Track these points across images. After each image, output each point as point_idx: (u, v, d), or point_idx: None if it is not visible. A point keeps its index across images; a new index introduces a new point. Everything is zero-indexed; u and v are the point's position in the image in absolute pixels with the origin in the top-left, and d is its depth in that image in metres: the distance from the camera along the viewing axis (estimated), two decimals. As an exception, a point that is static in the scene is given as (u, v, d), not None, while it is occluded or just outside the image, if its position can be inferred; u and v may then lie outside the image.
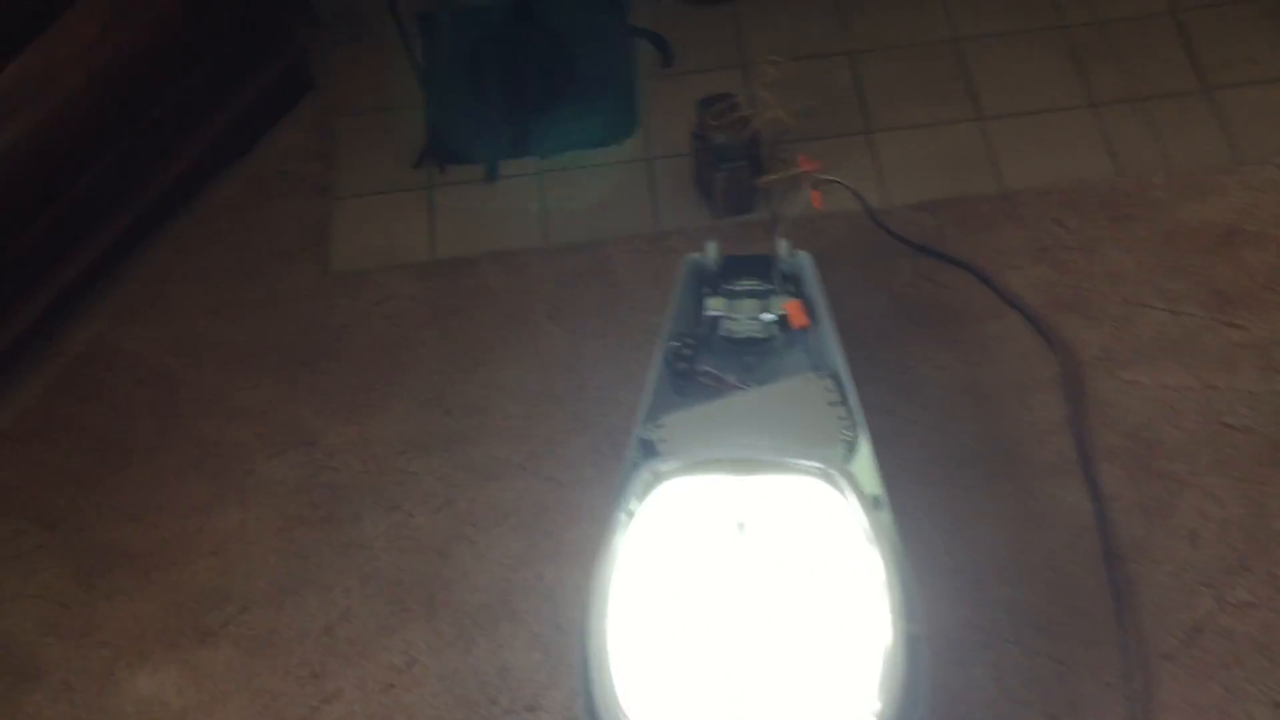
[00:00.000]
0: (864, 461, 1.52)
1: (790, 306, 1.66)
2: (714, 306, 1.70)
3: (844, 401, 1.57)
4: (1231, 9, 2.08)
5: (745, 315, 1.69)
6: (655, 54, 2.15)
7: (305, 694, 1.56)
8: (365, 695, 1.55)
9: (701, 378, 1.67)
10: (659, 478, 1.49)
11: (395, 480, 1.73)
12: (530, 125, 2.09)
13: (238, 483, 1.74)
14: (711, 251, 1.71)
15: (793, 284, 1.70)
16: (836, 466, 1.46)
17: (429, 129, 2.11)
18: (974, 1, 2.14)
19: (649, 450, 1.56)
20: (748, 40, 2.15)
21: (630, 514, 1.46)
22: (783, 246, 1.70)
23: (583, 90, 2.13)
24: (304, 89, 2.18)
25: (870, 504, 1.44)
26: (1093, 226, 1.85)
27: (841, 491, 1.45)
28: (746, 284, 1.72)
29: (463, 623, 1.60)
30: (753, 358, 1.69)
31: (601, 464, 1.70)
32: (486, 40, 2.17)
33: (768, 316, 1.68)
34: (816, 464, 1.47)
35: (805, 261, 1.70)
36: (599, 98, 2.13)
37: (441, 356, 1.84)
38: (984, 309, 1.79)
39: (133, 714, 1.56)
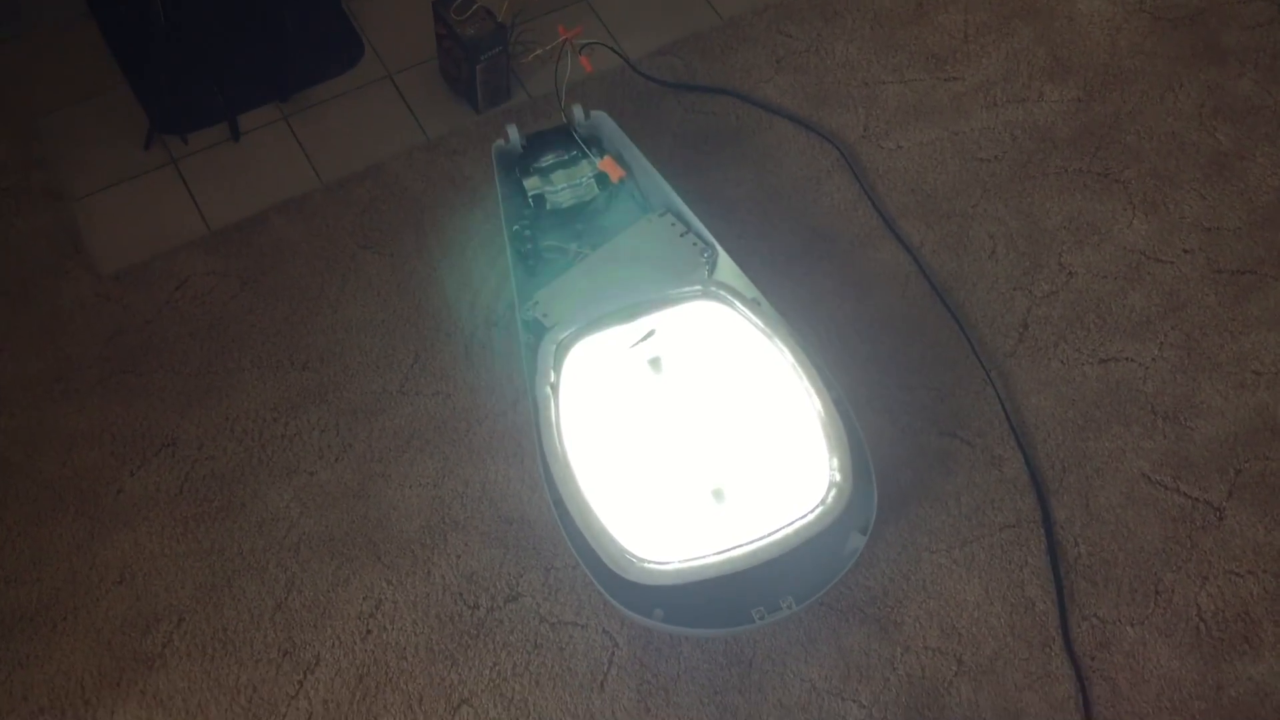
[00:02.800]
0: (729, 271, 1.66)
1: (605, 164, 1.75)
2: (532, 186, 1.76)
3: (690, 229, 1.69)
4: None
5: (564, 185, 1.76)
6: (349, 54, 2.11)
7: (284, 673, 1.52)
8: (346, 650, 1.54)
9: (547, 253, 1.73)
10: (562, 346, 1.56)
11: (280, 447, 1.68)
12: (253, 72, 2.01)
13: (110, 507, 1.63)
14: (513, 135, 1.76)
15: (595, 144, 1.79)
16: (713, 282, 1.59)
17: (146, 106, 1.98)
18: None
19: (535, 328, 1.62)
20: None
21: (554, 386, 1.53)
22: (577, 112, 1.77)
23: (300, 25, 2.06)
24: (-23, 100, 1.97)
25: (754, 304, 1.59)
26: (811, 29, 2.05)
27: (726, 303, 1.59)
28: (551, 157, 1.79)
29: (412, 550, 1.60)
30: (583, 223, 1.77)
31: (477, 363, 1.74)
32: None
33: (586, 181, 1.77)
34: (694, 287, 1.60)
35: (603, 119, 1.78)
36: (317, 28, 2.07)
37: (269, 318, 1.78)
38: (755, 124, 1.95)
39: (113, 765, 1.46)
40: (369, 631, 1.55)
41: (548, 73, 1.86)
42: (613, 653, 1.53)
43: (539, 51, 1.90)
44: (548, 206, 1.76)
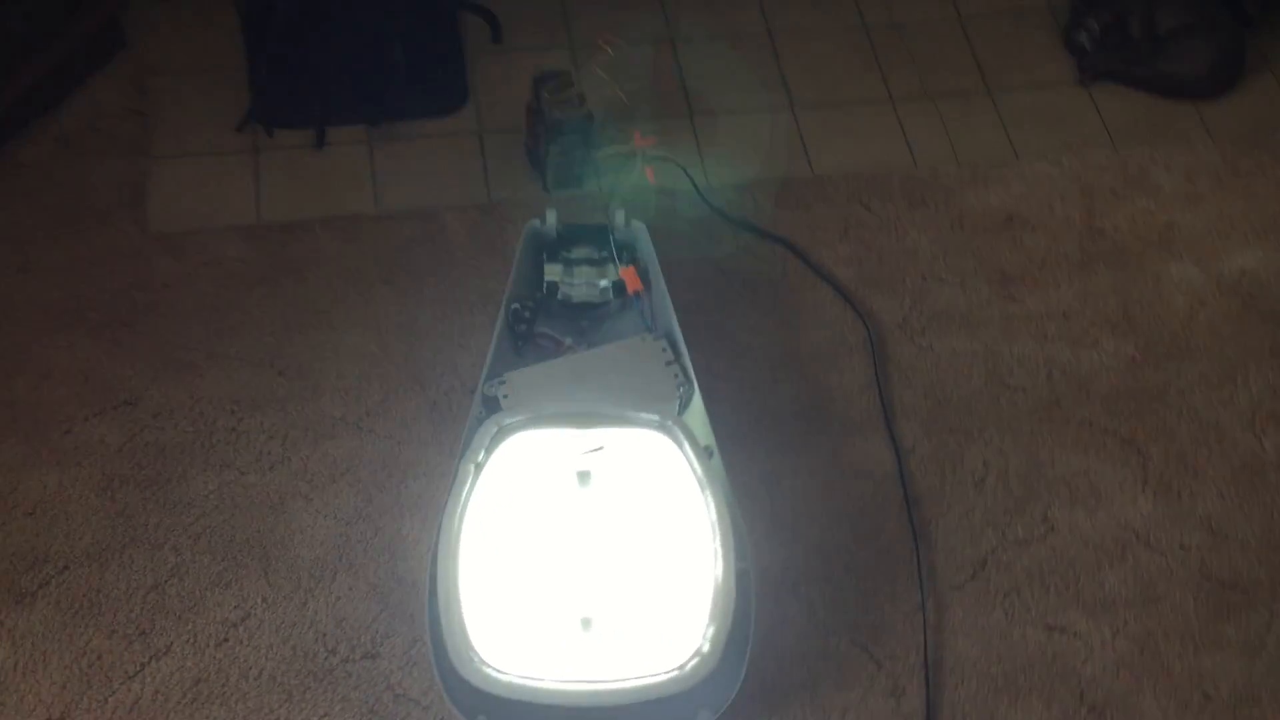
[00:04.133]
0: (696, 415, 1.62)
1: (626, 273, 1.75)
2: (551, 273, 1.77)
3: (677, 360, 1.66)
4: (1008, 21, 2.31)
5: (582, 281, 1.77)
6: (485, 28, 2.20)
7: (132, 652, 1.53)
8: (197, 650, 1.54)
9: (540, 339, 1.73)
10: (504, 431, 1.55)
11: (225, 439, 1.71)
12: (359, 93, 2.10)
13: (54, 443, 1.68)
14: (550, 219, 1.78)
15: (628, 252, 1.79)
16: (672, 419, 1.55)
17: (252, 92, 2.09)
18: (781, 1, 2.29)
19: (492, 406, 1.61)
20: (575, 22, 2.23)
21: (478, 466, 1.51)
22: (619, 216, 1.78)
23: (413, 60, 2.15)
24: (116, 46, 2.12)
25: (703, 454, 1.54)
26: (892, 209, 2.02)
27: (677, 442, 1.55)
28: (583, 252, 1.80)
29: (299, 576, 1.60)
30: (589, 321, 1.77)
31: (438, 423, 1.74)
32: (313, 4, 2.16)
33: (603, 282, 1.77)
34: (654, 416, 1.56)
35: (640, 231, 1.79)
36: (429, 68, 2.16)
37: (273, 318, 1.83)
38: (799, 281, 1.92)
39: (-59, 680, 1.49)
40: (225, 639, 1.55)
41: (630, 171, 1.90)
42: (440, 746, 1.48)
43: (610, 150, 1.93)
44: (559, 296, 1.76)
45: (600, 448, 1.53)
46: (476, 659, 1.35)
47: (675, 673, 1.36)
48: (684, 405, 1.64)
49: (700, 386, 1.64)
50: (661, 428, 1.56)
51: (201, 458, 1.69)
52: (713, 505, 1.49)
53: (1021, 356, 1.86)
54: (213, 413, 1.73)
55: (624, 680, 1.35)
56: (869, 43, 2.26)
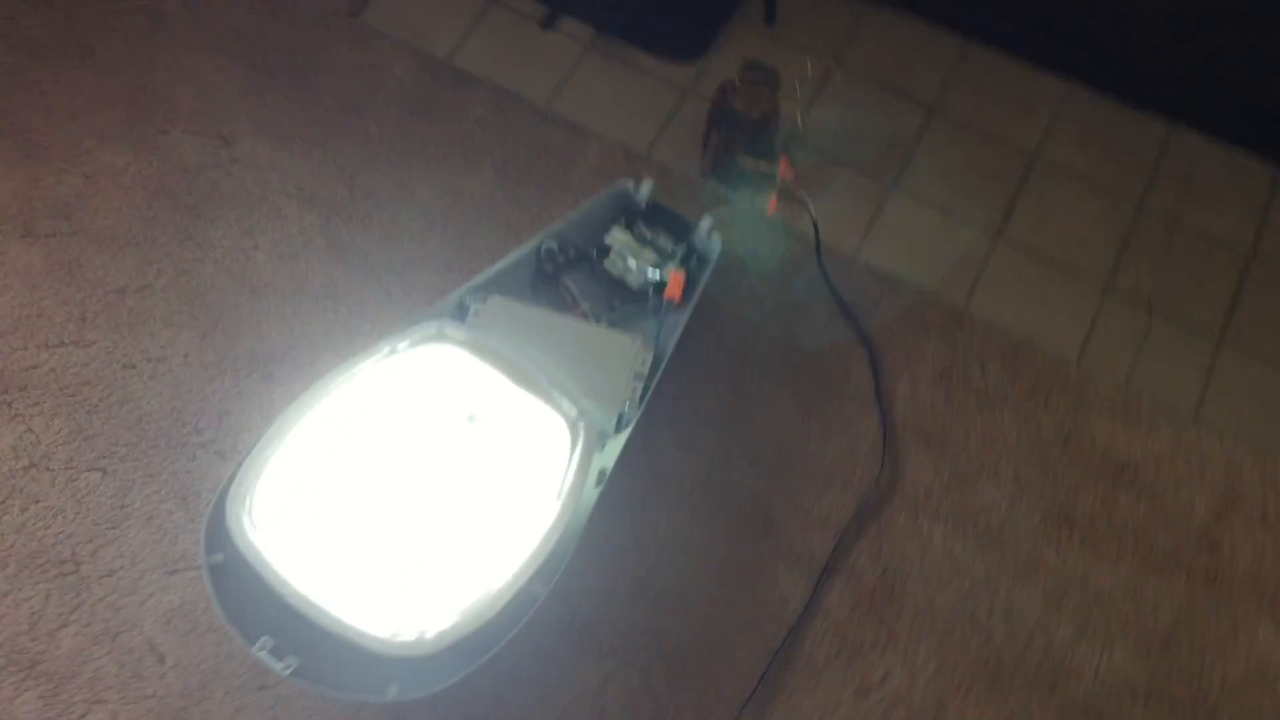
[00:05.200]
0: (618, 439, 1.51)
1: (674, 278, 1.64)
2: (614, 238, 1.69)
3: (644, 381, 1.55)
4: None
5: (635, 261, 1.67)
6: (761, 7, 2.10)
7: (64, 329, 1.64)
8: (109, 363, 1.62)
9: (561, 289, 1.66)
10: (440, 337, 1.50)
11: (267, 214, 1.77)
12: (611, 2, 2.07)
13: (149, 137, 1.81)
14: (645, 190, 1.69)
15: (694, 257, 1.67)
16: (590, 423, 1.45)
17: None
18: (1079, 132, 2.02)
19: (458, 313, 1.57)
20: (853, 43, 2.08)
21: (393, 350, 1.48)
22: (706, 223, 1.67)
23: (680, 2, 2.09)
24: None
25: (589, 472, 1.43)
26: (1008, 386, 1.76)
27: (574, 443, 1.45)
28: (654, 235, 1.70)
29: (225, 358, 1.65)
30: (617, 300, 1.67)
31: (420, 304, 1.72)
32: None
33: (653, 273, 1.67)
34: (573, 410, 1.47)
35: (716, 247, 1.66)
36: (683, 10, 2.09)
37: (382, 141, 1.87)
38: (850, 387, 1.73)
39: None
40: (134, 366, 1.63)
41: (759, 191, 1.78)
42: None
43: (751, 161, 1.80)
44: (603, 263, 1.68)
45: (473, 417, 1.46)
46: (246, 511, 1.33)
47: (384, 635, 1.28)
48: (620, 423, 1.53)
49: (673, 416, 1.51)
50: (572, 426, 1.46)
51: (238, 215, 1.76)
52: (555, 518, 1.39)
53: (1016, 606, 1.58)
54: (276, 186, 1.80)
55: (338, 610, 1.30)
56: (1130, 220, 1.95)
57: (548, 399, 1.47)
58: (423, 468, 1.43)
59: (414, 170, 1.84)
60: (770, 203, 1.73)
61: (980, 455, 1.69)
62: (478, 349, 1.50)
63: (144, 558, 1.50)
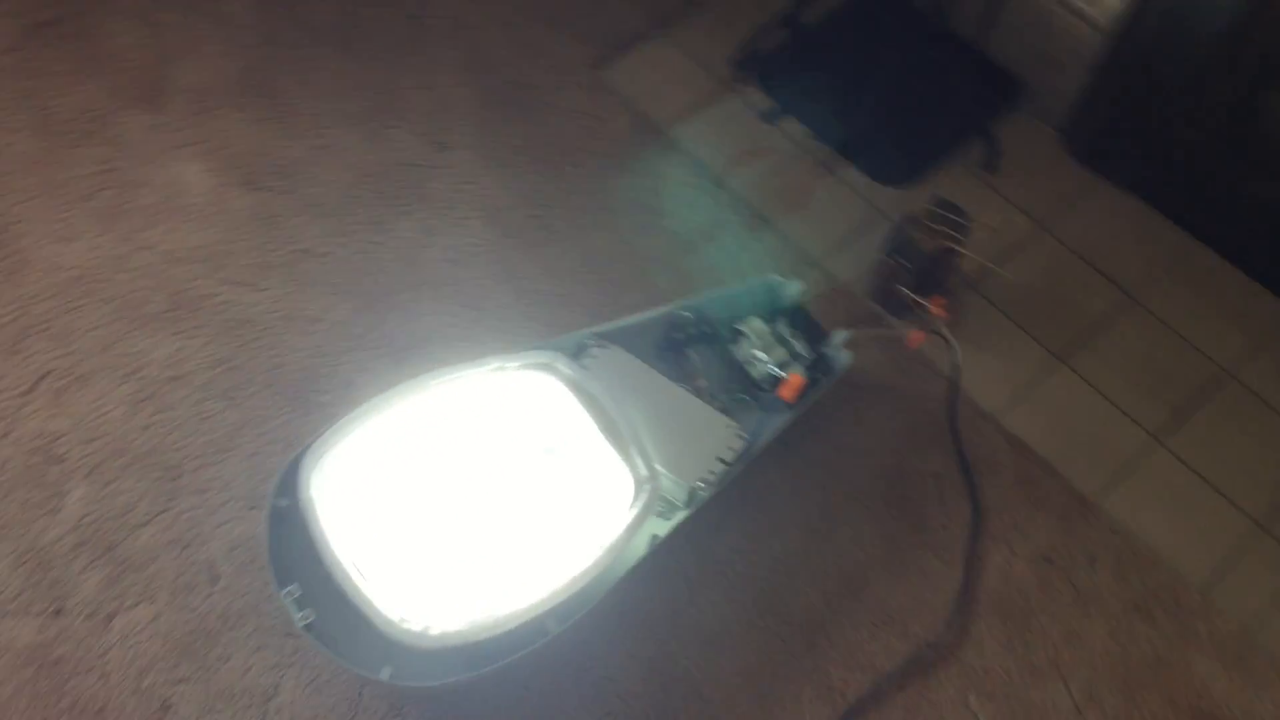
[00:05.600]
0: (681, 513, 1.51)
1: (793, 379, 1.64)
2: (751, 327, 1.71)
3: (725, 467, 1.54)
4: None
5: (763, 355, 1.68)
6: (983, 152, 2.08)
7: (250, 269, 1.81)
8: (275, 305, 1.78)
9: (683, 357, 1.69)
10: (546, 367, 1.56)
11: (452, 219, 1.90)
12: (840, 114, 2.10)
13: (379, 128, 1.99)
14: (795, 290, 1.71)
15: (819, 367, 1.67)
16: (655, 488, 1.46)
17: (757, 44, 2.16)
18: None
19: (576, 351, 1.63)
20: (1071, 210, 2.02)
21: (500, 367, 1.55)
22: (840, 337, 1.67)
23: (902, 124, 2.11)
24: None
25: (641, 532, 1.45)
26: (1114, 590, 1.64)
27: (633, 502, 1.47)
28: (789, 336, 1.71)
29: (366, 331, 1.77)
30: (735, 385, 1.69)
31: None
32: (874, 33, 2.19)
33: (775, 371, 1.67)
34: (645, 471, 1.48)
35: (843, 363, 1.66)
36: (909, 141, 2.10)
37: (576, 184, 1.97)
38: (945, 542, 1.66)
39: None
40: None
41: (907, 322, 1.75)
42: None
43: (907, 291, 1.78)
44: (729, 347, 1.70)
45: (552, 450, 1.50)
46: (318, 469, 1.43)
47: (392, 617, 1.33)
48: (690, 500, 1.53)
49: (732, 515, 1.52)
50: (640, 484, 1.48)
51: (426, 214, 1.90)
52: (589, 565, 1.41)
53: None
54: (468, 198, 1.93)
55: (360, 579, 1.36)
56: (1313, 462, 1.80)
57: (624, 453, 1.50)
58: (489, 481, 1.48)
59: (595, 217, 1.93)
60: (914, 336, 1.71)
61: (1058, 652, 1.58)
62: (577, 388, 1.55)
63: (234, 487, 1.62)
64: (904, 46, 2.04)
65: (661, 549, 1.59)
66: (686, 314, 1.70)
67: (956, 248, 1.75)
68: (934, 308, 1.72)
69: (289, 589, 1.40)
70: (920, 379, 1.81)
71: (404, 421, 1.50)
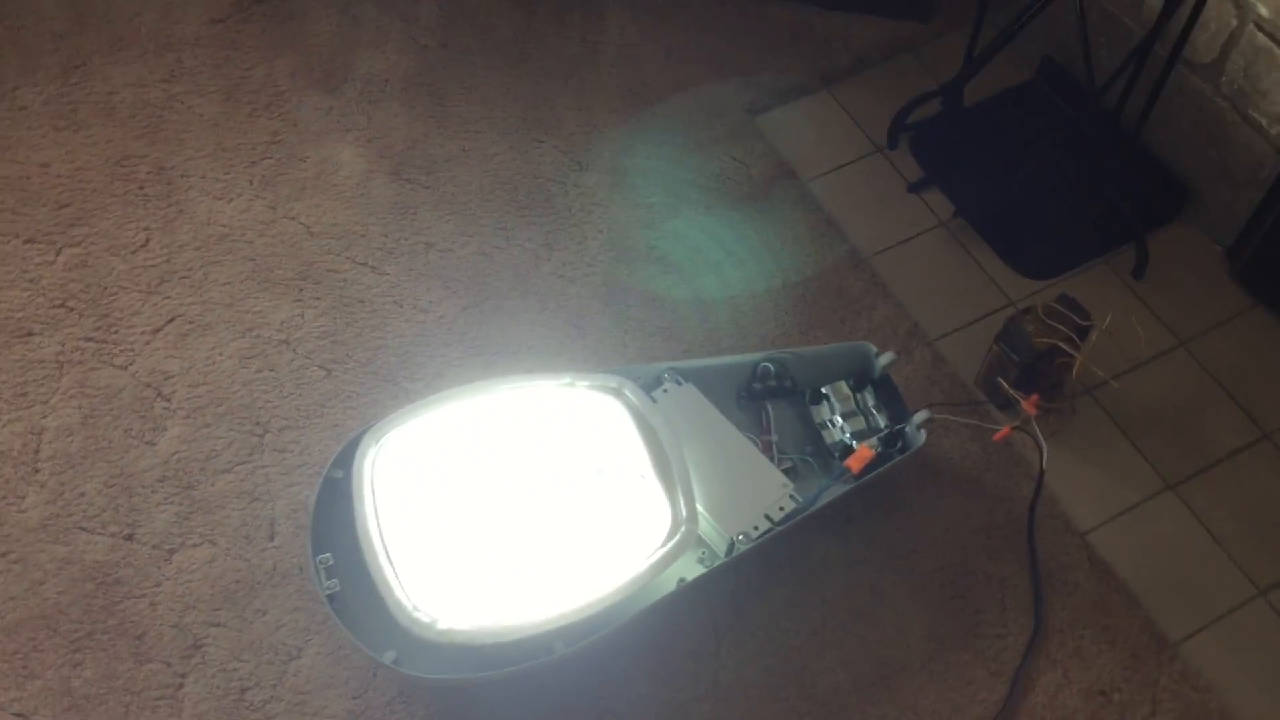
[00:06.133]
0: (716, 561, 1.50)
1: (862, 450, 1.60)
2: (836, 392, 1.68)
3: (775, 529, 1.51)
4: None
5: (842, 422, 1.65)
6: (1134, 254, 1.97)
7: (376, 254, 1.91)
8: (391, 291, 1.86)
9: (760, 409, 1.67)
10: (615, 392, 1.57)
11: (573, 235, 1.95)
12: (988, 194, 2.04)
13: (527, 140, 2.06)
14: (884, 360, 1.67)
15: (891, 443, 1.62)
16: (691, 531, 1.45)
17: (912, 111, 2.11)
18: None
19: (651, 383, 1.63)
20: (1217, 331, 1.89)
21: (571, 384, 1.58)
22: (920, 417, 1.62)
23: (1051, 213, 2.02)
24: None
25: (668, 574, 1.45)
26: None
27: (666, 540, 1.46)
28: (871, 403, 1.67)
29: (467, 329, 1.83)
30: (810, 448, 1.66)
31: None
32: (1039, 116, 2.12)
33: (848, 440, 1.64)
34: (685, 514, 1.47)
35: (917, 441, 1.60)
36: (1058, 235, 2.01)
37: (702, 221, 1.98)
38: (995, 652, 1.57)
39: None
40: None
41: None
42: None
43: (1004, 385, 1.70)
44: (810, 407, 1.68)
45: (602, 473, 1.51)
46: (375, 446, 1.49)
47: (404, 602, 1.37)
48: (728, 550, 1.51)
49: (779, 577, 1.50)
50: (676, 524, 1.47)
51: (550, 227, 1.96)
52: (605, 593, 1.41)
53: None
54: (593, 219, 1.97)
55: (385, 556, 1.40)
56: None
57: (669, 490, 1.50)
58: (534, 492, 1.51)
59: (712, 259, 1.93)
60: (1001, 430, 1.63)
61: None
62: (639, 418, 1.55)
63: (313, 453, 1.70)
64: (1069, 134, 1.96)
65: (697, 597, 1.58)
66: (771, 366, 1.68)
67: (1064, 347, 1.66)
68: (1026, 404, 1.64)
69: (322, 557, 1.46)
70: (1010, 478, 1.72)
71: (468, 418, 1.54)
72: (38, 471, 1.67)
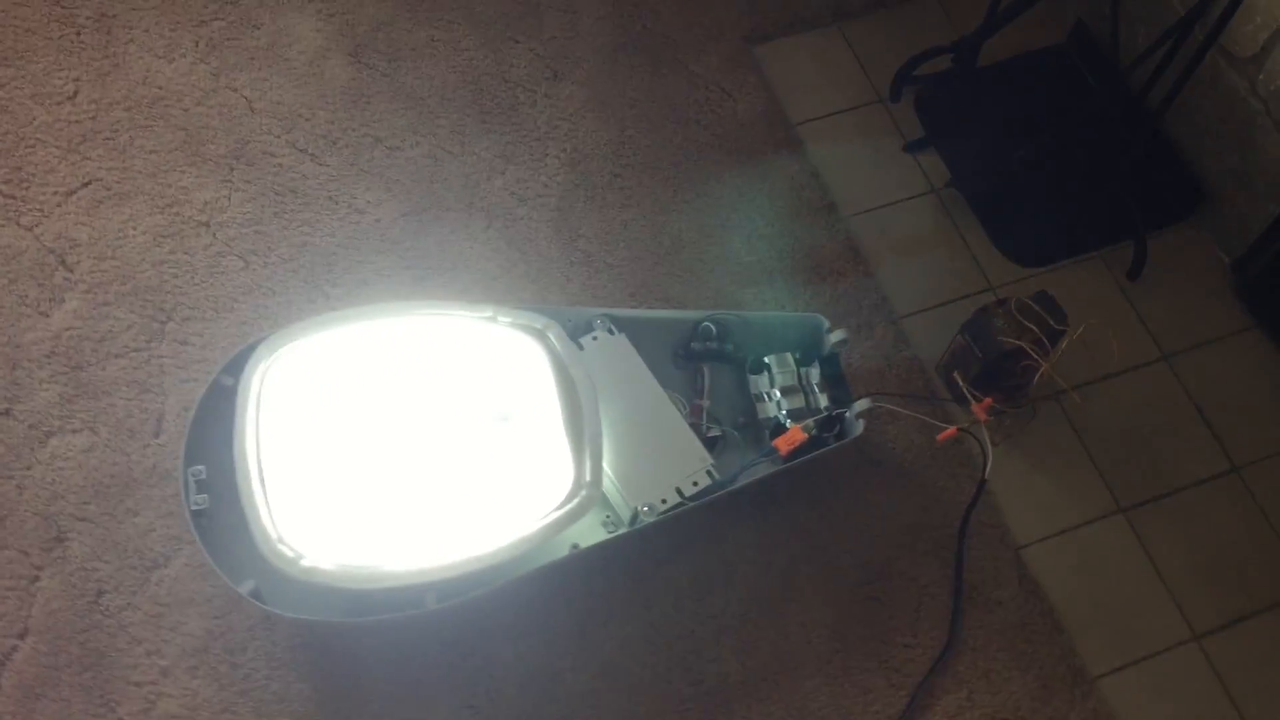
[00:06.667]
0: (615, 530, 1.39)
1: (793, 432, 1.48)
2: (778, 364, 1.55)
3: (685, 504, 1.40)
4: None
5: (782, 396, 1.53)
6: (1132, 254, 1.82)
7: (319, 141, 1.76)
8: (327, 184, 1.73)
9: (695, 371, 1.55)
10: (538, 334, 1.45)
11: (534, 151, 1.80)
12: (987, 167, 1.88)
13: (502, 39, 1.90)
14: (835, 337, 1.54)
15: (827, 428, 1.51)
16: (590, 497, 1.35)
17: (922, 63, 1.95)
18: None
19: (583, 327, 1.51)
20: (1209, 347, 1.76)
21: (493, 318, 1.45)
22: (860, 405, 1.49)
23: (1052, 198, 1.87)
24: None
25: (561, 538, 1.34)
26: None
27: (564, 503, 1.35)
28: (815, 381, 1.54)
29: (402, 237, 1.70)
30: (743, 419, 1.54)
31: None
32: (1058, 89, 1.95)
33: (782, 418, 1.52)
34: (588, 478, 1.36)
35: (854, 431, 1.49)
36: (1058, 221, 1.86)
37: (680, 160, 1.83)
38: (900, 661, 1.48)
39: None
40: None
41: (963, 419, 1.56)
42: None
43: (962, 384, 1.58)
44: (750, 376, 1.55)
45: (507, 419, 1.40)
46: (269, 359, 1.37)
47: (271, 532, 1.27)
48: (631, 520, 1.40)
49: (680, 555, 1.40)
50: (577, 486, 1.36)
51: (510, 138, 1.82)
52: (488, 551, 1.31)
53: None
54: (559, 136, 1.83)
55: (259, 479, 1.30)
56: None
57: (576, 449, 1.38)
58: (431, 432, 1.39)
59: (681, 197, 1.79)
60: (947, 431, 1.51)
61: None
62: (559, 366, 1.43)
63: (215, 349, 1.59)
64: (1087, 111, 1.79)
65: (594, 563, 1.48)
66: (713, 326, 1.55)
67: (1030, 350, 1.53)
68: (977, 408, 1.51)
69: (195, 469, 1.36)
70: (953, 478, 1.61)
71: (375, 340, 1.43)
72: (-81, 327, 1.57)
